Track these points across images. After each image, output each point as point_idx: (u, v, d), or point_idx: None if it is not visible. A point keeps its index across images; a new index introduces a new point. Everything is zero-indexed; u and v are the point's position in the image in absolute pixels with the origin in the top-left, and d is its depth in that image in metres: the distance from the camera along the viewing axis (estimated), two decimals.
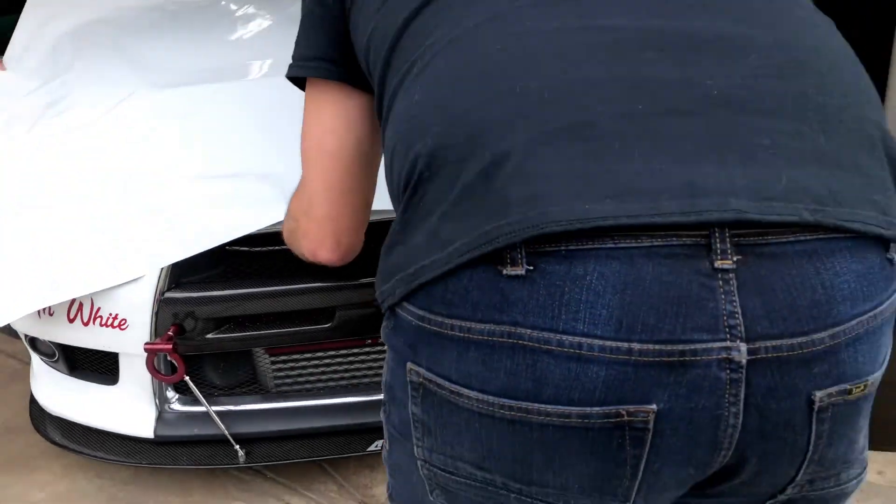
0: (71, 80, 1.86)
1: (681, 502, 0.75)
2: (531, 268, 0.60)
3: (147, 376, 1.71)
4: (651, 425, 0.61)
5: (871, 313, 0.64)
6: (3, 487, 1.87)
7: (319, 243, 0.94)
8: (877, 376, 0.67)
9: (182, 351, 1.62)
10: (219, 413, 1.77)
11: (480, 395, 0.63)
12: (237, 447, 1.73)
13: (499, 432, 0.64)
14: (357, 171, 0.91)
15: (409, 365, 0.69)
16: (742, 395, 0.61)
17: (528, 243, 0.60)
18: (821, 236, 0.62)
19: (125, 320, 1.61)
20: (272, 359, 1.80)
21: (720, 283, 0.59)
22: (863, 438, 0.71)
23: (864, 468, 0.74)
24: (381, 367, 1.65)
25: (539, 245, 0.60)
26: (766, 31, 0.68)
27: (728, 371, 0.60)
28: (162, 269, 1.57)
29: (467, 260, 0.62)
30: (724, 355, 0.60)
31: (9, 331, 1.81)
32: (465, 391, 0.64)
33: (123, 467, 1.84)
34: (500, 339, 0.62)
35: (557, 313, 0.60)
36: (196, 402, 1.79)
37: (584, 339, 0.59)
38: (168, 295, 1.59)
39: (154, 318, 1.60)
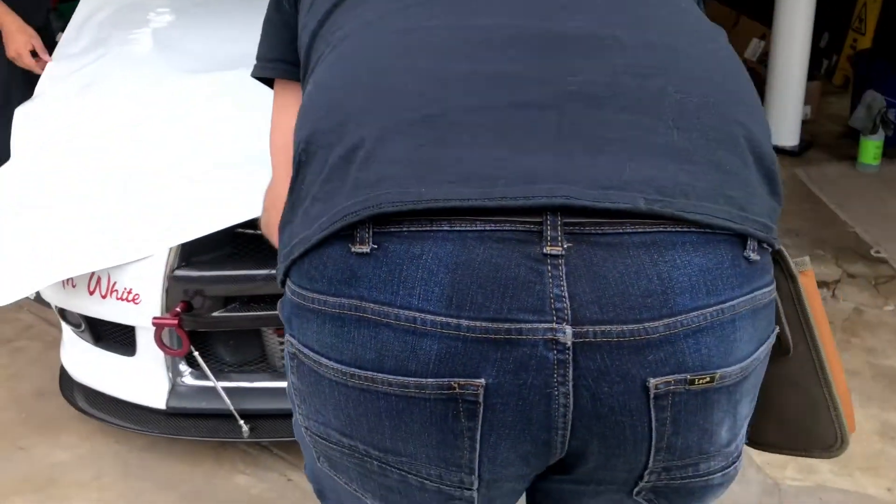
0: (106, 63, 1.97)
1: (552, 487, 0.78)
2: (375, 246, 0.64)
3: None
4: (481, 399, 0.63)
5: (716, 307, 0.64)
6: (31, 447, 1.99)
7: None
8: (731, 371, 0.67)
9: (189, 327, 1.70)
10: (227, 389, 1.84)
11: (336, 365, 0.67)
12: (241, 422, 1.80)
13: (353, 401, 0.67)
14: None
15: (287, 336, 0.73)
16: (570, 376, 0.63)
17: (376, 223, 0.63)
18: (663, 229, 0.63)
19: (138, 295, 1.70)
20: (280, 339, 1.86)
21: (549, 268, 0.61)
22: (726, 432, 0.70)
23: (733, 462, 0.74)
24: None
25: (384, 225, 0.63)
26: (634, 33, 0.70)
27: (555, 352, 0.62)
28: (172, 247, 1.65)
29: (323, 237, 0.65)
30: (550, 336, 0.62)
31: (43, 301, 1.93)
32: (325, 361, 0.67)
33: (141, 435, 1.93)
34: (349, 313, 0.65)
35: (396, 289, 0.63)
36: (203, 377, 1.88)
37: (418, 314, 0.63)
38: (177, 273, 1.66)
39: (164, 294, 1.68)
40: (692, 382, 0.64)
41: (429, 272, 0.62)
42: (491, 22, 0.70)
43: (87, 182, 1.71)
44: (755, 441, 0.86)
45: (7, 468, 1.94)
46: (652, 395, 0.64)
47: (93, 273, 1.71)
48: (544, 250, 0.61)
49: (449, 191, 0.62)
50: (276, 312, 1.72)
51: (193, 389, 1.84)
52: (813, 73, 3.91)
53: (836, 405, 0.79)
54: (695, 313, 0.63)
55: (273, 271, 1.63)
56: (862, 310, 2.44)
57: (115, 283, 1.71)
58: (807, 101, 3.70)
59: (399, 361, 0.64)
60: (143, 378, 1.86)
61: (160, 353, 1.80)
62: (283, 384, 1.88)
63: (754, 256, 0.67)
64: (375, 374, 0.65)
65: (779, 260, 0.76)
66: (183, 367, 1.84)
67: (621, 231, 0.62)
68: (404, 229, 0.63)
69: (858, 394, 2.08)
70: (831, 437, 0.81)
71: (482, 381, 0.63)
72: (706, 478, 0.72)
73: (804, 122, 3.69)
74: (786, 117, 3.53)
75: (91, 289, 1.75)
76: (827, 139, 3.77)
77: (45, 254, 1.70)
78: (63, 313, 1.91)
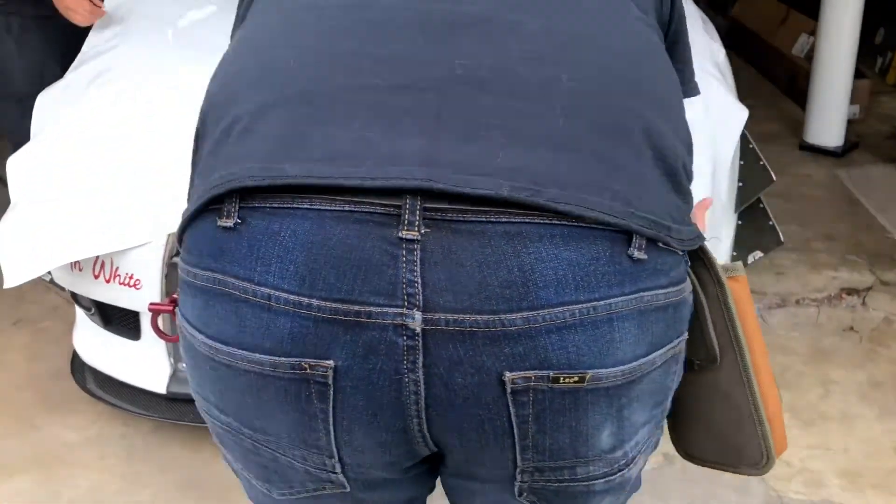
0: (118, 53, 2.01)
1: (446, 482, 0.77)
2: (240, 221, 0.63)
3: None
4: (331, 381, 0.63)
5: (586, 305, 0.61)
6: (42, 426, 2.05)
7: None
8: (608, 373, 0.63)
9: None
10: None
11: (204, 339, 0.67)
12: None
13: (222, 377, 0.67)
14: None
15: (177, 310, 0.73)
16: (420, 364, 0.61)
17: (242, 198, 0.63)
18: (530, 220, 0.60)
19: (139, 280, 1.72)
20: None
21: (403, 252, 0.60)
22: (608, 437, 0.67)
23: (619, 470, 0.70)
24: None
25: (250, 200, 0.63)
26: (537, 19, 0.68)
27: (405, 337, 0.61)
28: (170, 234, 1.67)
29: (196, 210, 0.66)
30: (400, 321, 0.61)
31: (57, 283, 1.98)
32: (197, 335, 0.68)
33: (147, 419, 1.96)
34: (214, 287, 0.65)
35: (254, 265, 0.63)
36: None
37: (273, 291, 0.62)
38: (176, 259, 1.68)
39: (164, 281, 1.70)
40: (556, 380, 0.62)
41: (285, 249, 0.62)
42: (389, 2, 0.69)
43: (99, 169, 1.75)
44: (688, 454, 0.82)
45: (17, 446, 2.00)
46: (509, 390, 0.62)
47: (97, 257, 1.75)
48: (400, 234, 0.60)
49: (311, 168, 0.61)
50: None
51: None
52: (864, 71, 3.76)
53: (762, 420, 0.75)
54: (559, 309, 0.61)
55: None
56: (892, 319, 2.33)
57: (117, 268, 1.74)
58: (855, 100, 3.55)
59: (256, 339, 0.64)
60: (147, 363, 1.89)
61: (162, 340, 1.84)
62: None
63: (639, 255, 0.63)
64: (235, 350, 0.65)
65: (706, 263, 0.72)
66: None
67: (484, 220, 0.60)
68: (267, 205, 0.63)
69: (879, 407, 1.99)
70: (757, 454, 0.77)
71: (331, 362, 0.62)
72: (586, 483, 0.69)
73: (851, 122, 3.54)
74: (829, 116, 3.39)
75: (96, 273, 1.78)
76: (874, 140, 3.61)
77: (53, 237, 1.74)
78: (75, 296, 1.96)
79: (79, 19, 2.19)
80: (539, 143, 0.62)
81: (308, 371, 0.63)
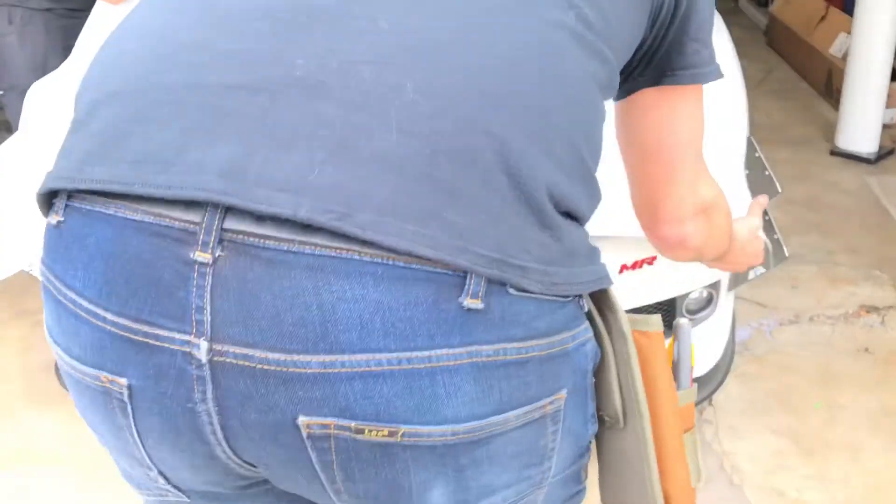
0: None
1: None
2: (62, 219, 0.61)
3: None
4: (127, 398, 0.59)
5: (398, 355, 0.54)
6: (25, 419, 2.05)
7: None
8: (432, 430, 0.56)
9: None
10: None
11: (48, 337, 0.65)
12: None
13: (64, 376, 0.66)
14: None
15: None
16: (210, 395, 0.57)
17: (69, 196, 0.61)
18: (337, 254, 0.53)
19: None
20: None
21: (195, 275, 0.55)
22: (441, 496, 0.60)
23: None
24: None
25: (74, 199, 0.60)
26: (398, 17, 0.60)
27: (193, 366, 0.57)
28: None
29: (38, 204, 0.64)
30: (187, 349, 0.56)
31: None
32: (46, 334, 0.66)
33: None
34: (45, 283, 0.64)
35: (67, 267, 0.61)
36: None
37: (77, 297, 0.60)
38: None
39: None
40: (361, 431, 0.56)
41: (90, 256, 0.59)
42: None
43: None
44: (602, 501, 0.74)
45: None
46: (305, 435, 0.56)
47: None
48: (193, 255, 0.55)
49: (117, 173, 0.58)
50: None
51: None
52: None
53: (654, 491, 0.66)
54: (362, 356, 0.54)
55: None
56: None
57: None
58: (891, 104, 3.37)
59: (69, 342, 0.62)
60: None
61: None
62: None
63: (471, 303, 0.55)
64: (58, 348, 0.64)
65: (607, 309, 0.64)
66: None
67: (286, 248, 0.54)
68: (84, 206, 0.60)
69: (889, 437, 1.86)
70: None
71: (125, 381, 0.59)
72: None
73: (887, 128, 3.37)
74: (863, 121, 3.22)
75: None
76: None
77: (32, 230, 1.72)
78: None
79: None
80: (365, 161, 0.55)
81: (107, 385, 0.60)
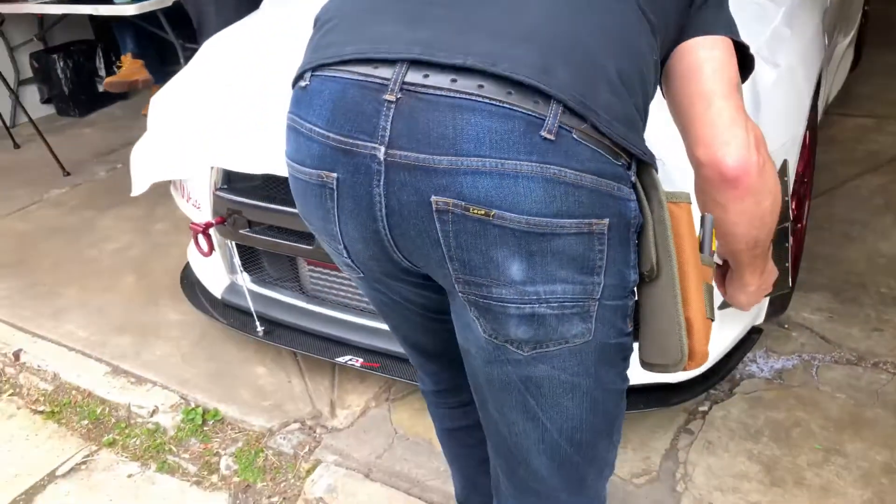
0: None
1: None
2: (308, 83, 0.95)
3: (227, 253, 2.27)
4: (335, 187, 0.94)
5: (496, 160, 0.84)
6: (162, 306, 2.66)
7: None
8: (511, 216, 0.85)
9: (226, 236, 2.13)
10: (261, 296, 2.26)
11: (287, 161, 1.01)
12: (257, 323, 2.20)
13: (297, 187, 1.00)
14: None
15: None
16: (383, 182, 0.89)
17: (314, 69, 0.95)
18: (470, 98, 0.84)
19: (198, 202, 2.17)
20: (309, 267, 2.20)
21: (384, 109, 0.87)
22: (517, 271, 0.88)
23: (529, 303, 0.90)
24: None
25: (315, 72, 0.95)
26: None
27: (376, 164, 0.88)
28: (215, 168, 2.06)
29: (294, 78, 0.99)
30: (374, 153, 0.88)
31: None
32: (286, 160, 1.01)
33: (208, 328, 2.43)
34: (291, 123, 0.98)
35: (308, 110, 0.94)
36: (256, 283, 2.31)
37: (312, 126, 0.94)
38: (217, 192, 2.09)
39: (212, 206, 2.12)
40: (468, 210, 0.86)
41: (323, 101, 0.92)
42: None
43: (204, 108, 2.17)
44: (644, 361, 1.01)
45: (134, 315, 2.63)
46: (434, 209, 0.87)
47: (181, 182, 2.24)
48: (384, 97, 0.87)
49: (343, 50, 0.92)
50: (278, 241, 2.01)
51: (243, 291, 2.27)
52: None
53: (680, 321, 0.94)
54: (475, 159, 0.84)
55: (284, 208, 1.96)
56: None
57: (189, 193, 2.21)
58: None
59: (302, 156, 0.96)
60: (215, 272, 2.37)
61: (226, 255, 2.28)
62: (309, 305, 2.24)
63: (547, 135, 0.83)
64: (293, 163, 0.99)
65: (654, 185, 0.92)
66: (242, 271, 2.29)
67: (440, 94, 0.85)
68: (322, 74, 0.94)
69: (876, 495, 1.73)
70: (677, 353, 0.95)
71: (335, 174, 0.93)
72: (500, 304, 0.92)
73: None
74: None
75: (182, 195, 2.28)
76: None
77: (156, 158, 2.25)
78: None
79: None
80: (517, 39, 0.86)
81: (325, 179, 0.94)
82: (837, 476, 1.79)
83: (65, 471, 2.08)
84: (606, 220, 0.87)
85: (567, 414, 1.01)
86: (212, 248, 2.11)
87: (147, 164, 2.28)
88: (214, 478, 2.01)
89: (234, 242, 2.22)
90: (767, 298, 2.00)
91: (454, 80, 0.85)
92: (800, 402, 2.01)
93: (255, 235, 2.09)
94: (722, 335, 1.90)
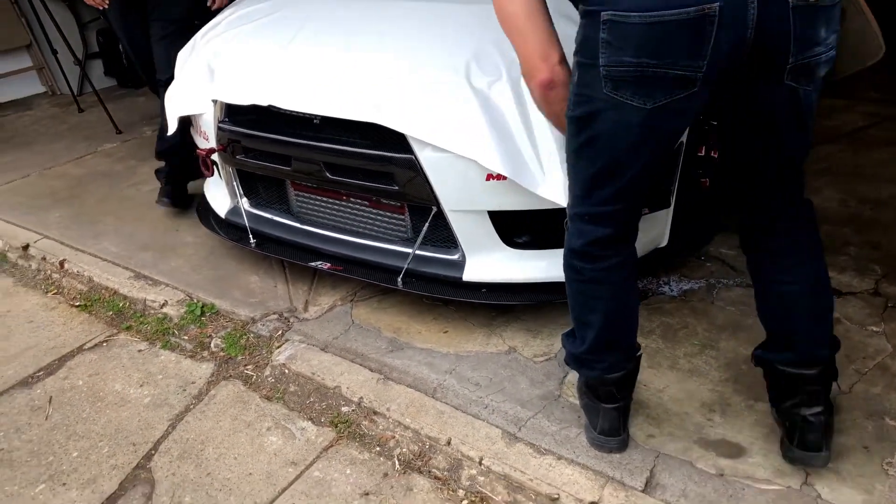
0: None
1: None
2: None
3: (230, 180, 2.73)
4: (717, 13, 1.29)
5: None
6: (182, 230, 3.15)
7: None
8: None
9: (226, 161, 2.59)
10: (260, 217, 2.71)
11: (639, 14, 1.31)
12: (251, 236, 2.66)
13: (642, 33, 1.32)
14: None
15: (603, 13, 1.35)
16: (756, 2, 1.30)
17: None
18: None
19: (206, 133, 2.64)
20: (295, 191, 2.64)
21: None
22: (824, 31, 1.36)
23: (829, 51, 1.38)
24: (370, 223, 2.42)
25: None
26: None
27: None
28: (219, 103, 2.51)
29: None
30: None
31: None
32: (632, 14, 1.31)
33: (216, 247, 2.89)
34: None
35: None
36: (253, 206, 2.76)
37: None
38: (220, 124, 2.55)
39: (217, 136, 2.58)
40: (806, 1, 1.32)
41: None
42: None
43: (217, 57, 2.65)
44: (838, 72, 1.55)
45: (158, 237, 3.13)
46: (791, 7, 1.31)
47: (194, 117, 2.71)
48: None
49: None
50: (268, 165, 2.47)
51: (243, 211, 2.74)
52: None
53: (872, 21, 1.49)
54: None
55: (278, 137, 2.38)
56: None
57: (200, 125, 2.68)
58: None
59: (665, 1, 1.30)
60: (220, 195, 2.84)
61: (230, 182, 2.74)
62: (292, 222, 2.67)
63: None
64: (649, 12, 1.30)
65: None
66: (243, 196, 2.75)
67: None
68: None
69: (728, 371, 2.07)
70: (876, 47, 1.51)
71: (718, 3, 1.28)
72: (817, 58, 1.37)
73: None
74: None
75: (196, 130, 2.75)
76: None
77: (181, 96, 2.70)
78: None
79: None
80: None
81: (706, 11, 1.28)
82: (705, 363, 2.13)
83: (90, 346, 2.57)
84: None
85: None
86: (213, 171, 2.58)
87: (173, 104, 2.76)
88: (205, 353, 2.47)
89: (235, 170, 2.68)
90: (669, 225, 2.35)
91: None
92: (693, 312, 2.36)
93: (248, 160, 2.54)
94: None
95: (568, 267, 1.68)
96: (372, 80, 2.16)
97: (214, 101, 2.51)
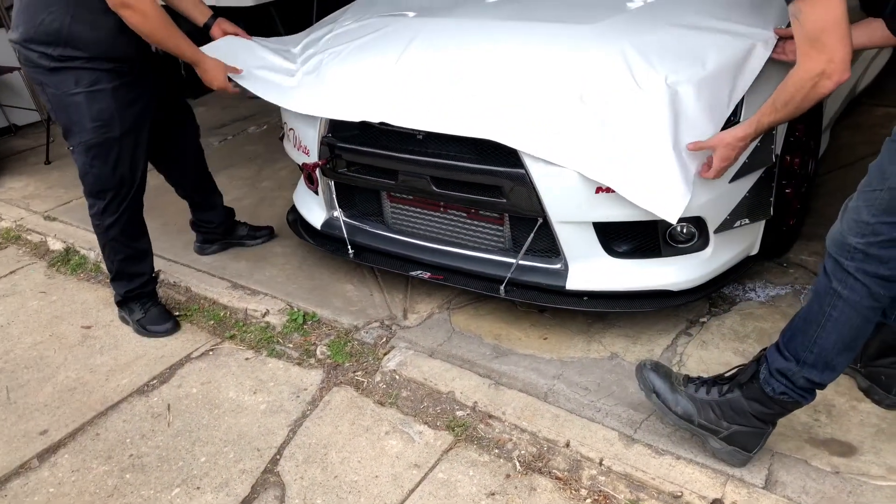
0: None
1: None
2: None
3: (328, 192, 2.83)
4: None
5: None
6: (280, 237, 3.27)
7: None
8: None
9: (327, 175, 2.70)
10: (355, 227, 2.82)
11: None
12: (349, 247, 2.76)
13: None
14: None
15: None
16: None
17: None
18: None
19: (308, 148, 2.74)
20: (391, 204, 2.75)
21: None
22: None
23: None
24: (467, 233, 2.53)
25: None
26: None
27: None
28: (323, 119, 2.61)
29: None
30: None
31: None
32: None
33: (307, 257, 3.01)
34: None
35: None
36: (349, 217, 2.86)
37: None
38: (325, 139, 2.65)
39: (319, 150, 2.68)
40: None
41: None
42: None
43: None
44: None
45: (245, 248, 3.24)
46: None
47: (291, 129, 2.81)
48: None
49: None
50: (370, 178, 2.58)
51: (339, 222, 2.85)
52: None
53: None
54: None
55: (381, 151, 2.50)
56: None
57: (300, 140, 2.79)
58: None
59: None
60: (315, 208, 2.95)
61: (327, 194, 2.84)
62: (389, 234, 2.77)
63: None
64: None
65: None
66: (338, 208, 2.86)
67: None
68: None
69: None
70: None
71: None
72: None
73: None
74: None
75: (293, 143, 2.85)
76: None
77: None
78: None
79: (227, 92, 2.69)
80: None
81: None
82: None
83: (198, 354, 2.69)
84: None
85: None
86: (318, 184, 2.69)
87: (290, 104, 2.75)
88: (312, 360, 2.58)
89: (333, 183, 2.78)
90: (761, 234, 2.45)
91: None
92: (784, 316, 2.45)
93: (352, 174, 2.65)
94: (719, 258, 2.36)
95: (868, 296, 1.63)
96: (484, 97, 2.26)
97: (316, 118, 2.62)
